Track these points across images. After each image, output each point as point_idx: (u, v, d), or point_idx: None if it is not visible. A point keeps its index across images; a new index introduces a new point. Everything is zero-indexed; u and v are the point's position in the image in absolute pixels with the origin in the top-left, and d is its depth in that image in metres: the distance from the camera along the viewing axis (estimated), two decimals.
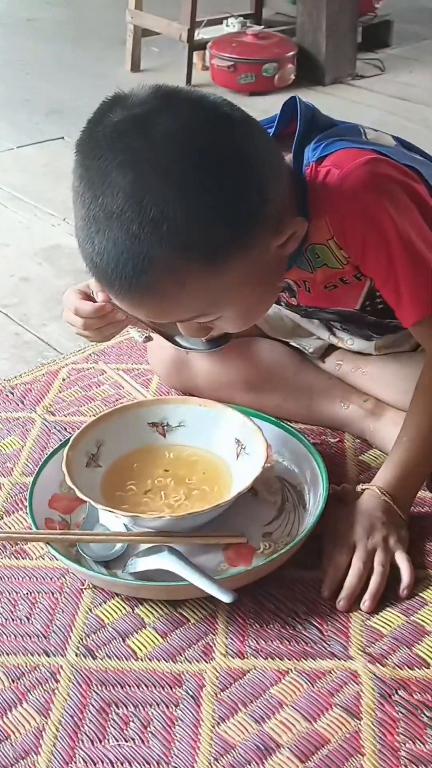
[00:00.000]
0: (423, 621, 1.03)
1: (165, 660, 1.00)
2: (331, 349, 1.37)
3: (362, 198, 1.05)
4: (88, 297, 1.13)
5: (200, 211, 0.92)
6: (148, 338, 1.20)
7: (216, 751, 0.90)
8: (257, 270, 1.02)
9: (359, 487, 1.15)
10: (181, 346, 1.19)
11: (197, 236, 0.93)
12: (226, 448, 1.21)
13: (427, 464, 1.16)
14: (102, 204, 0.92)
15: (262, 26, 3.37)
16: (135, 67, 3.35)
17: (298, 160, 1.08)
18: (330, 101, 3.00)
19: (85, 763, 0.90)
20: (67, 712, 0.94)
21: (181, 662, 1.00)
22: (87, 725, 0.93)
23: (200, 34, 3.19)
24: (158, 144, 0.92)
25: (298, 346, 1.39)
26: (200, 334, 1.11)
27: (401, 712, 0.93)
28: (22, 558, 1.14)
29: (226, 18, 3.36)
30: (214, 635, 1.02)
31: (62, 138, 2.69)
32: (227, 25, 3.33)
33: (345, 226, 1.07)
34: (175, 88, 0.98)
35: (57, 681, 0.98)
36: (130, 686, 0.97)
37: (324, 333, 1.35)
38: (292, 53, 3.13)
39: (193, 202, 0.92)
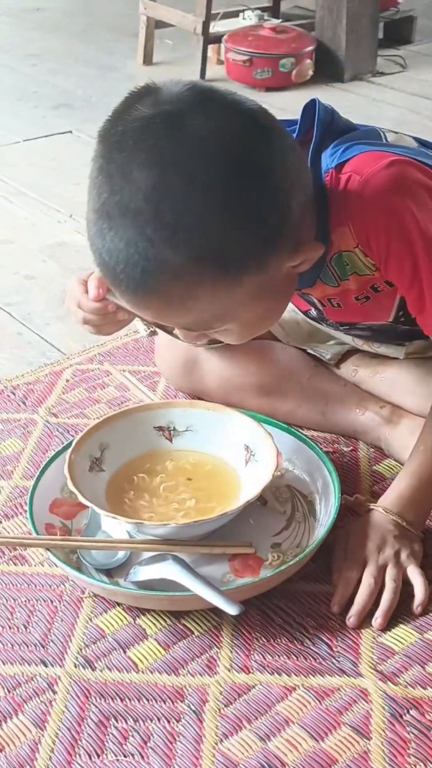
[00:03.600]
0: None
1: (167, 673, 0.98)
2: (347, 354, 1.35)
3: (385, 201, 1.01)
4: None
5: (220, 224, 0.89)
6: (153, 333, 1.17)
7: None
8: (268, 288, 0.98)
9: (369, 507, 1.12)
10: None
11: (213, 248, 0.90)
12: (235, 454, 1.18)
13: None
14: (119, 200, 0.89)
15: (280, 20, 3.33)
16: (147, 60, 3.32)
17: (316, 167, 1.04)
18: (349, 99, 2.97)
19: None
20: (64, 725, 0.92)
21: (183, 676, 0.97)
22: (85, 739, 0.91)
23: (216, 26, 3.16)
24: (187, 147, 0.88)
25: (313, 353, 1.36)
26: (198, 341, 1.07)
27: (413, 733, 0.90)
28: (21, 564, 1.12)
29: (243, 11, 3.33)
30: (219, 648, 1.00)
31: (70, 132, 2.66)
32: (244, 18, 3.30)
33: (368, 231, 1.04)
34: (210, 87, 0.94)
35: (54, 692, 0.96)
36: (130, 699, 0.95)
37: (346, 336, 1.32)
38: (310, 48, 3.10)
39: (215, 213, 0.89)
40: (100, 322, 1.12)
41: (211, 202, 0.88)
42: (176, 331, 1.06)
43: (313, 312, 1.26)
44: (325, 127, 1.06)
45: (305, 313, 1.30)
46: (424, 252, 1.02)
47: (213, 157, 0.89)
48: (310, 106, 1.07)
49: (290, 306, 1.37)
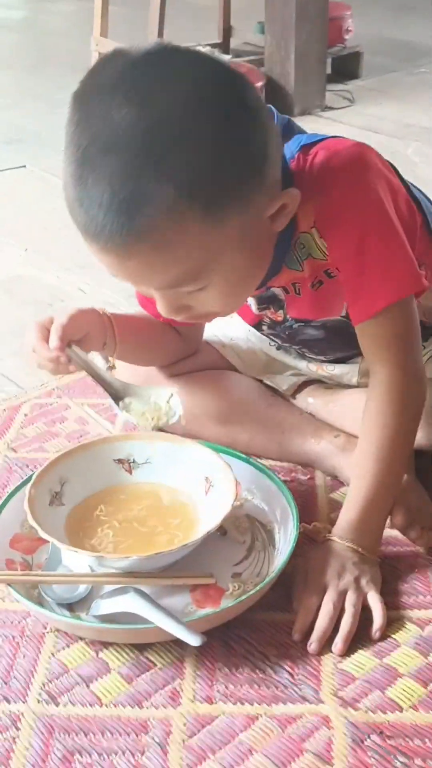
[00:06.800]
0: (395, 664, 1.01)
1: (130, 706, 0.97)
2: (303, 385, 1.36)
3: (348, 171, 1.05)
4: (49, 333, 1.11)
5: (206, 153, 0.89)
6: (112, 367, 1.18)
7: None
8: (250, 235, 0.99)
9: (326, 536, 1.13)
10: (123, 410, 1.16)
11: (199, 178, 0.90)
12: (195, 485, 1.19)
13: (386, 499, 1.13)
14: (100, 142, 0.89)
15: (230, 56, 3.38)
16: None
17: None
18: None
19: None
20: (28, 761, 0.91)
21: (147, 708, 0.97)
22: None
23: None
24: (167, 83, 0.89)
25: (271, 384, 1.37)
26: (180, 313, 1.05)
27: (374, 758, 0.91)
28: None
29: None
30: (182, 680, 1.00)
31: (24, 167, 2.66)
32: None
33: (327, 197, 1.06)
34: (176, 45, 0.96)
35: (18, 729, 0.95)
36: (94, 734, 0.94)
37: (301, 363, 1.34)
38: (260, 83, 3.14)
39: (200, 142, 0.89)
40: (53, 370, 1.13)
41: (195, 133, 0.89)
42: (159, 305, 1.03)
43: (266, 321, 1.27)
44: (284, 122, 1.10)
45: (256, 326, 1.31)
46: (375, 222, 1.05)
47: (193, 90, 0.90)
48: None
49: (247, 336, 1.40)
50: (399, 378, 1.11)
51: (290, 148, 1.08)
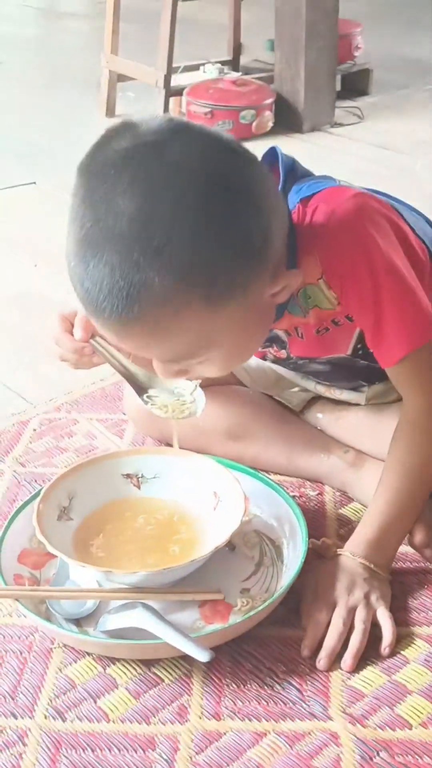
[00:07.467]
0: (405, 680, 1.01)
1: (138, 722, 0.97)
2: (312, 401, 1.36)
3: (350, 228, 1.05)
4: (73, 326, 1.11)
5: (207, 245, 0.90)
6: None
7: None
8: (250, 315, 0.99)
9: (336, 551, 1.13)
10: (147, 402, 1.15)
11: (199, 271, 0.90)
12: (203, 500, 1.19)
13: (407, 520, 1.14)
14: (103, 227, 0.89)
15: (240, 73, 3.40)
16: (110, 112, 3.36)
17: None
18: (308, 149, 3.01)
19: None
20: None
21: (154, 724, 0.97)
22: None
23: (177, 79, 3.21)
24: (170, 172, 0.89)
25: (280, 400, 1.37)
26: (178, 377, 1.06)
27: None
28: None
29: (204, 64, 3.38)
30: (189, 696, 1.00)
31: (34, 183, 2.68)
32: (204, 71, 3.35)
33: (333, 257, 1.06)
34: (187, 121, 0.97)
35: (25, 744, 0.95)
36: (101, 750, 0.94)
37: (309, 383, 1.34)
38: (270, 100, 3.16)
39: (202, 233, 0.89)
40: (77, 361, 1.12)
41: (197, 224, 0.89)
42: (155, 366, 1.04)
43: (270, 356, 1.28)
44: (288, 169, 1.10)
45: (262, 358, 1.32)
46: (385, 278, 1.05)
47: (197, 180, 0.90)
48: (269, 152, 1.11)
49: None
50: (430, 407, 1.12)
51: (291, 199, 1.08)
